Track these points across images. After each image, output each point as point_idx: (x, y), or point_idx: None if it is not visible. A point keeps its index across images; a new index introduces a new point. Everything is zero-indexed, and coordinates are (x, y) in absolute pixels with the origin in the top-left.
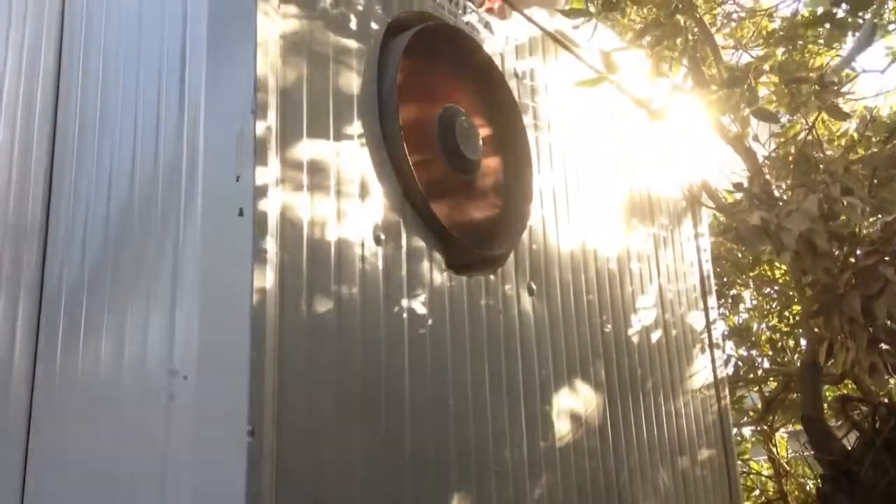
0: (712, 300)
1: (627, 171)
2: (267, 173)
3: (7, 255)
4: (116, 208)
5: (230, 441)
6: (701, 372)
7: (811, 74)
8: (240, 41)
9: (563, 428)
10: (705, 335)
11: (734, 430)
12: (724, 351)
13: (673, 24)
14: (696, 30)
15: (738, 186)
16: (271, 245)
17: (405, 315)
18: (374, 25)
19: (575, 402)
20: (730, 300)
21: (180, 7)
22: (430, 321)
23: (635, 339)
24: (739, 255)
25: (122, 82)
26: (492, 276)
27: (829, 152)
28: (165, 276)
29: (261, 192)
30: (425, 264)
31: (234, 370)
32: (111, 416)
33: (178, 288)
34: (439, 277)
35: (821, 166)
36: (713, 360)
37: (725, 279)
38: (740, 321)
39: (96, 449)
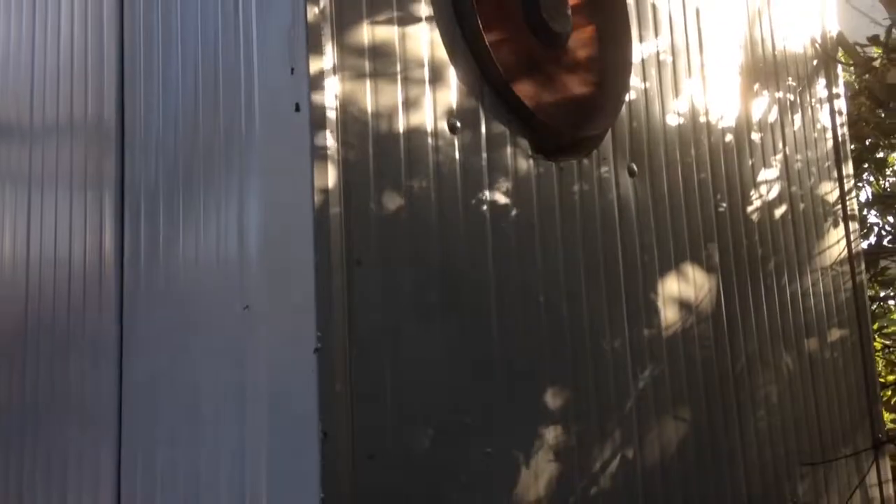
0: (848, 168)
1: (745, 30)
2: (322, 62)
3: (90, 157)
4: (185, 114)
5: (301, 352)
6: (833, 247)
7: None
8: None
9: (670, 315)
10: (839, 206)
11: (877, 304)
12: (866, 221)
13: None
14: None
15: (873, 40)
16: (331, 141)
17: (486, 206)
18: None
19: (684, 287)
20: (873, 165)
21: None
22: (514, 211)
23: (755, 217)
24: (883, 115)
25: None
26: (585, 160)
27: None
28: (233, 181)
29: (316, 83)
30: (508, 151)
31: (300, 275)
32: (193, 323)
33: (245, 193)
34: (524, 164)
35: None
36: (848, 233)
37: (868, 142)
38: (886, 186)
39: (182, 359)
